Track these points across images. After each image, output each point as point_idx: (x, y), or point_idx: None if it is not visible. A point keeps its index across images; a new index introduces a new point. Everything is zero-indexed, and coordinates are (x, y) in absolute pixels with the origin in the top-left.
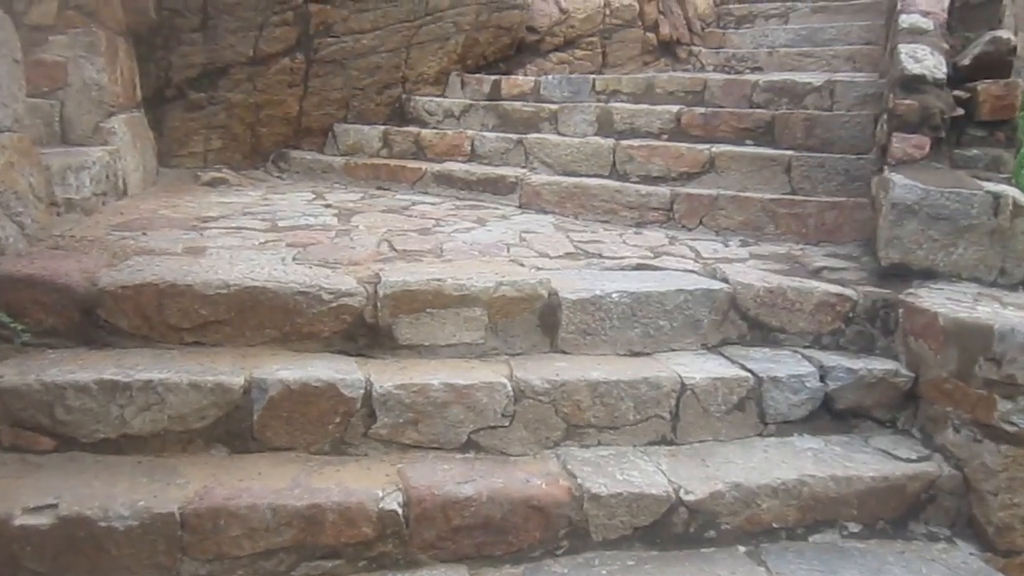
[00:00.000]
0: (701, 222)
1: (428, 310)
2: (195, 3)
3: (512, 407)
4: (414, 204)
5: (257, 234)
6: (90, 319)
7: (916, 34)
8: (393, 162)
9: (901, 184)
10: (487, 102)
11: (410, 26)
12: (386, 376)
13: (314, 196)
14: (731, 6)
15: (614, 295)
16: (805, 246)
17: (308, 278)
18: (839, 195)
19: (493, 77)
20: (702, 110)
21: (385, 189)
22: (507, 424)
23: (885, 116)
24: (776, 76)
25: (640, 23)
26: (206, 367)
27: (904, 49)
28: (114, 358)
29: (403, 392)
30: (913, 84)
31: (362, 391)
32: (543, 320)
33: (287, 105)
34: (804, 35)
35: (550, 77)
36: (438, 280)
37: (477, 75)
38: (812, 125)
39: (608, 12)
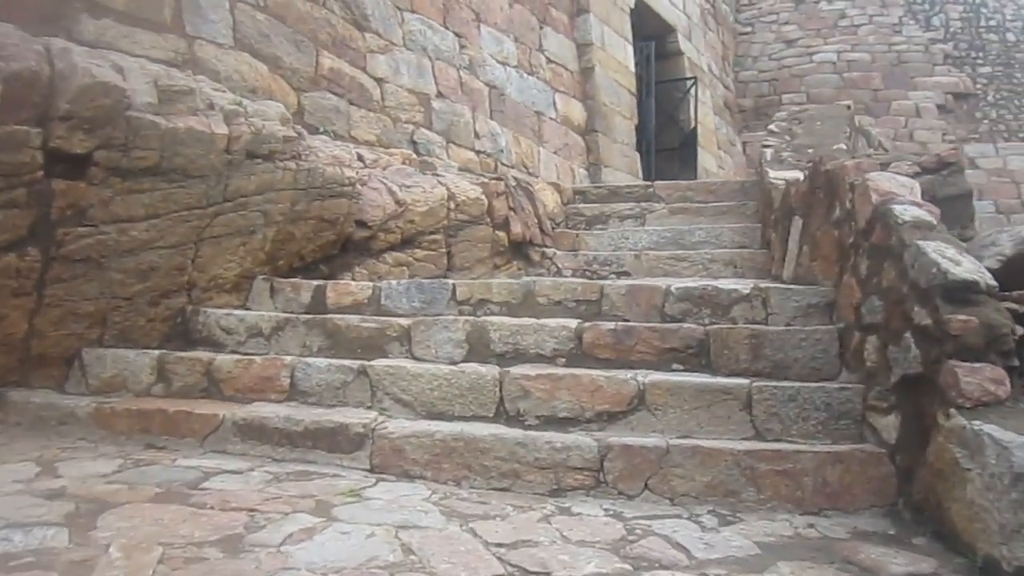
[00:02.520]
0: (647, 486)
1: None
2: None
3: None
4: (207, 479)
5: None
6: None
7: (924, 229)
8: (173, 405)
9: (1021, 445)
10: (309, 316)
11: (202, 214)
12: None
13: (39, 470)
14: (580, 205)
15: None
16: (813, 519)
17: None
18: (824, 439)
19: (315, 282)
20: (610, 325)
21: (159, 450)
22: None
23: (910, 334)
24: (692, 283)
25: (489, 220)
26: None
27: (931, 247)
28: None
29: None
30: (961, 294)
31: None
32: None
33: (9, 322)
34: (669, 237)
35: (393, 283)
36: None
37: (293, 280)
38: (759, 344)
39: (453, 206)
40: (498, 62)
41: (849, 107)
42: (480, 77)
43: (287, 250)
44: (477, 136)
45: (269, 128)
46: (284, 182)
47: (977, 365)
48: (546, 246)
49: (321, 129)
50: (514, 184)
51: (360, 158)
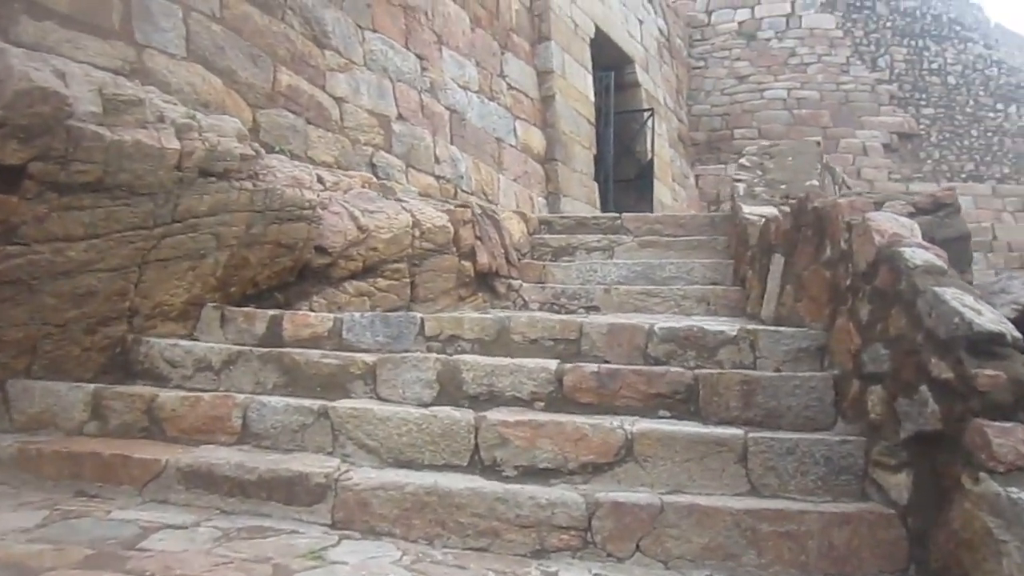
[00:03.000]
0: (639, 548)
1: None
2: None
3: None
4: (146, 536)
5: None
6: None
7: (937, 275)
8: (109, 447)
9: None
10: (264, 349)
11: (148, 235)
12: None
13: None
14: (546, 236)
15: None
16: None
17: None
18: (823, 495)
19: (270, 312)
20: (593, 368)
21: (92, 498)
22: None
23: (926, 387)
24: (676, 323)
25: (455, 249)
26: None
27: (949, 294)
28: None
29: None
30: (986, 346)
31: None
32: None
33: None
34: (639, 271)
35: (357, 315)
36: None
37: (246, 309)
38: (751, 391)
39: (418, 234)
40: (459, 86)
41: (819, 143)
42: (441, 101)
43: (240, 276)
44: (437, 161)
45: (225, 145)
46: (239, 203)
47: (1008, 425)
48: (512, 278)
49: (277, 148)
50: (480, 212)
51: (320, 180)
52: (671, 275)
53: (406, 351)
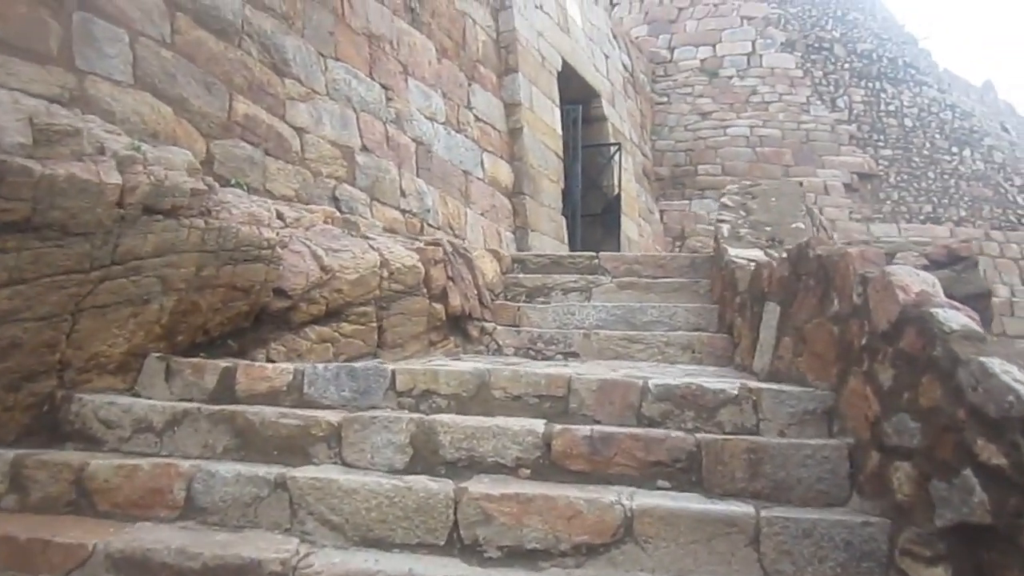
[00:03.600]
0: None
1: None
2: None
3: None
4: None
5: None
6: None
7: (976, 341)
8: (27, 529)
9: None
10: (214, 407)
11: (83, 280)
12: None
13: None
14: (520, 276)
15: None
16: None
17: None
18: None
19: (222, 363)
20: (585, 431)
21: None
22: None
23: (971, 472)
24: (673, 380)
25: (426, 290)
26: None
27: (996, 366)
28: None
29: None
30: None
31: None
32: None
33: None
34: (619, 315)
35: (319, 367)
36: None
37: (194, 360)
38: (758, 460)
39: (386, 274)
40: (426, 117)
41: (801, 184)
42: (407, 132)
43: (189, 323)
44: (403, 194)
45: (173, 179)
46: (189, 243)
47: None
48: (485, 320)
49: (233, 181)
50: (452, 251)
51: (280, 216)
52: (653, 319)
53: (374, 407)
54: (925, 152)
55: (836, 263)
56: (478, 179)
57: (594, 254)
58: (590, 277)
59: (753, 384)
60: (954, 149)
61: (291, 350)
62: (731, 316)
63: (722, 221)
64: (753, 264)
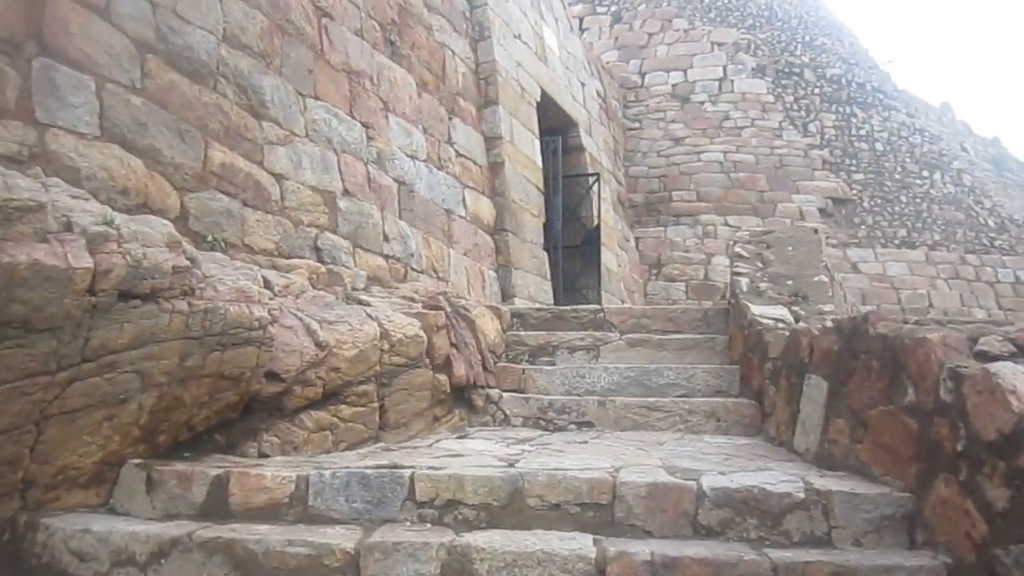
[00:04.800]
0: None
1: None
2: None
3: None
4: None
5: None
6: None
7: None
8: None
9: None
10: (207, 532)
11: (49, 383)
12: None
13: None
14: (521, 332)
15: None
16: None
17: None
18: None
19: (213, 472)
20: (645, 555)
21: None
22: None
23: None
24: (732, 483)
25: (429, 361)
26: None
27: None
28: None
29: None
30: None
31: None
32: None
33: None
34: (633, 377)
35: (326, 474)
36: None
37: (180, 468)
38: None
39: (387, 347)
40: (407, 155)
41: (816, 231)
42: (389, 172)
43: (172, 421)
44: (386, 239)
45: (152, 257)
46: (172, 330)
47: None
48: (490, 387)
49: (210, 237)
50: (452, 312)
51: (267, 284)
52: (669, 382)
53: (391, 521)
54: (897, 176)
55: (911, 348)
56: (460, 217)
57: (599, 307)
58: (596, 333)
59: (820, 484)
60: (924, 173)
61: (286, 441)
62: (759, 382)
63: (738, 274)
64: (782, 326)
